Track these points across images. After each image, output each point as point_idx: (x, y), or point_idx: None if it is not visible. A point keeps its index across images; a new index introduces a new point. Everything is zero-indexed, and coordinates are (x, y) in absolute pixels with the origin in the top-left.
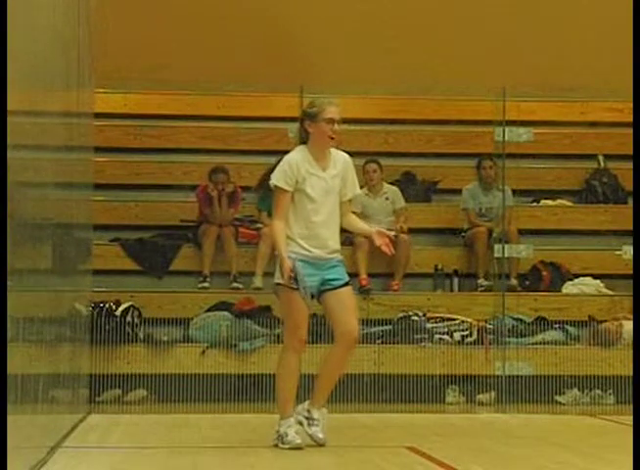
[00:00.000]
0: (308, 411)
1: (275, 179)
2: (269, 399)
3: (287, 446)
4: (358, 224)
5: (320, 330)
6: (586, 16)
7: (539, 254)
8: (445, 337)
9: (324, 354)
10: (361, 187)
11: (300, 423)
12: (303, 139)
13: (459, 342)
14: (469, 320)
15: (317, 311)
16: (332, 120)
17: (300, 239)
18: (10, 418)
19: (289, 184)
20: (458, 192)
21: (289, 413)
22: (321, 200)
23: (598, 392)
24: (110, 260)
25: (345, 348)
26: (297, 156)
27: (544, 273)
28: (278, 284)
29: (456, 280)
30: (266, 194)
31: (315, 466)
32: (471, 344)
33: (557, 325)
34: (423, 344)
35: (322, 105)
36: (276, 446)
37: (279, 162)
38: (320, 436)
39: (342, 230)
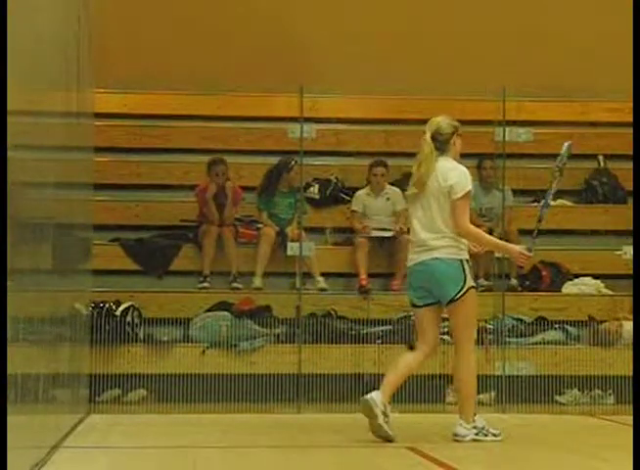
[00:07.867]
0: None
1: (468, 185)
2: (269, 399)
3: (498, 438)
4: None
5: (321, 330)
6: (586, 16)
7: (539, 254)
8: (445, 337)
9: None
10: (363, 187)
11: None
12: (443, 151)
13: None
14: None
15: (317, 311)
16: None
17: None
18: (10, 418)
19: None
20: None
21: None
22: None
23: (598, 392)
24: (110, 260)
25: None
26: None
27: (544, 273)
28: (472, 287)
29: None
30: (268, 195)
31: (315, 466)
32: None
33: (557, 325)
34: None
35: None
36: (473, 438)
37: (282, 162)
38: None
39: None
